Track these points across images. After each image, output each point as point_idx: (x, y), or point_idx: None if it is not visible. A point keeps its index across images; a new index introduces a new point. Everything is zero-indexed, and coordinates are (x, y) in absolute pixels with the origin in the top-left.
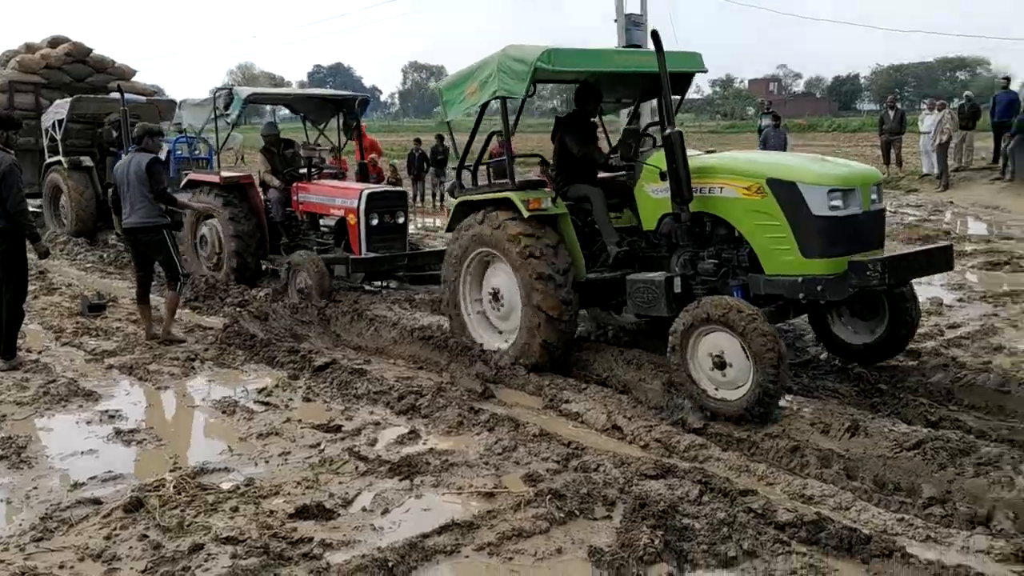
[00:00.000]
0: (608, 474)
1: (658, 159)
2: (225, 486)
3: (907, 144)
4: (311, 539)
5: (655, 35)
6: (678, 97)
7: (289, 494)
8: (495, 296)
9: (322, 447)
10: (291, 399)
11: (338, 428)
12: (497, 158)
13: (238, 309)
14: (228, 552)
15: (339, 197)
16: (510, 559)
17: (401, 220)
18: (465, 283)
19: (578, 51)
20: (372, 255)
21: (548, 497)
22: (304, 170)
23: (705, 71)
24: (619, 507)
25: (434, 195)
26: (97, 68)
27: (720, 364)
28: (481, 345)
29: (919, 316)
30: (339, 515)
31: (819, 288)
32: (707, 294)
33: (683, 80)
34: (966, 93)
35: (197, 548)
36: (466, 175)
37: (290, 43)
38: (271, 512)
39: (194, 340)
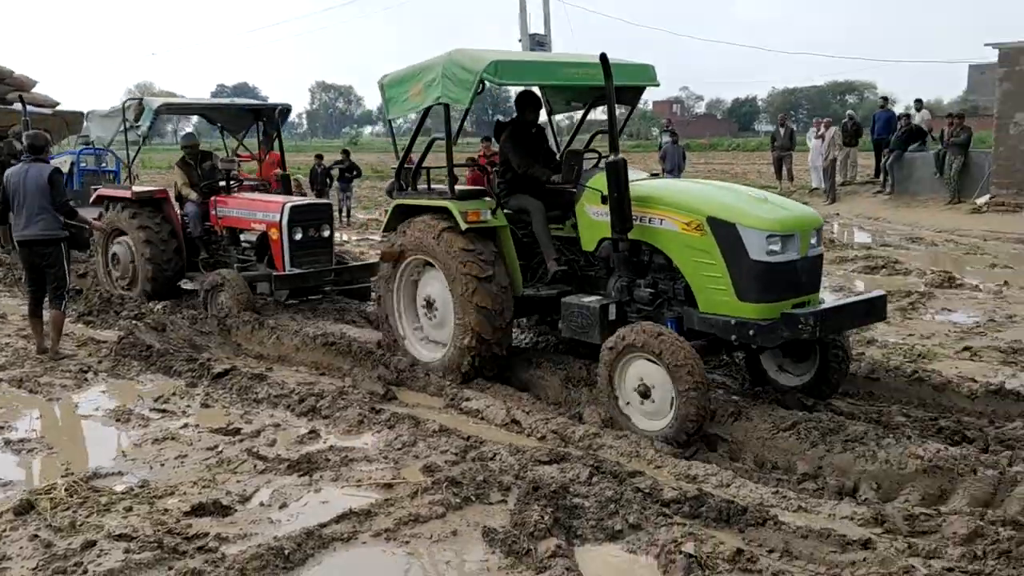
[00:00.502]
0: (504, 462)
1: (600, 181)
2: (118, 488)
3: (797, 160)
4: (207, 534)
5: (603, 58)
6: (628, 109)
7: (185, 493)
8: (429, 304)
9: (220, 449)
10: (189, 406)
11: (237, 431)
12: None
13: (134, 321)
14: (121, 548)
15: (260, 211)
16: (407, 543)
17: (327, 233)
18: (399, 288)
19: (526, 63)
20: (297, 271)
21: (445, 484)
22: (223, 183)
23: (657, 85)
24: (514, 491)
25: (340, 210)
26: None
27: (644, 393)
28: (412, 354)
29: (849, 363)
30: (236, 511)
31: (751, 332)
32: (643, 319)
33: (634, 92)
34: (848, 112)
35: (89, 545)
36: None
37: (192, 61)
38: (166, 511)
39: (87, 353)
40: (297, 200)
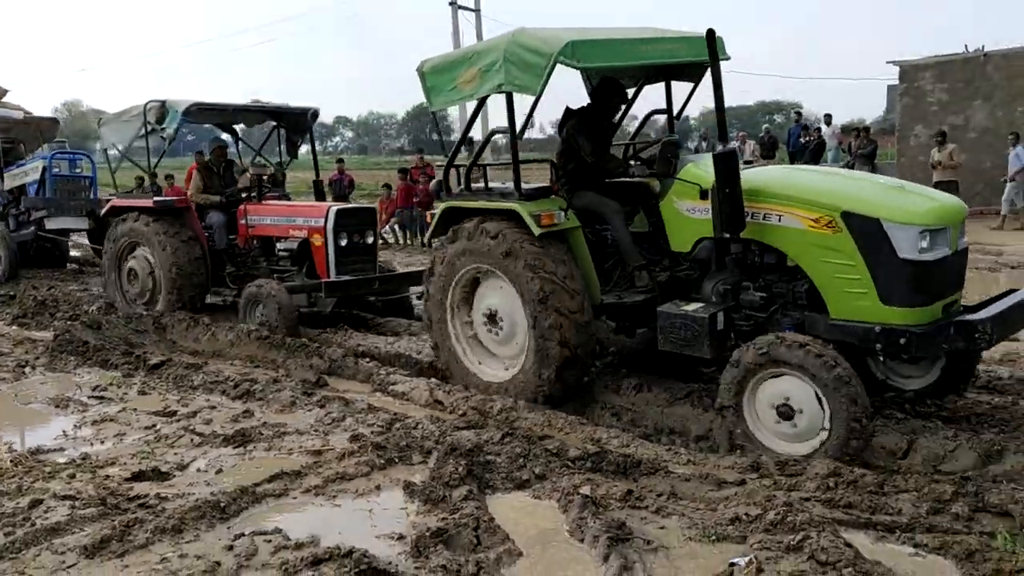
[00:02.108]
0: (426, 429)
1: (695, 175)
2: (61, 460)
3: None
4: (147, 495)
5: (711, 34)
6: (691, 84)
7: (125, 464)
8: (491, 318)
9: (158, 428)
10: (126, 393)
11: (173, 413)
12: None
13: (69, 321)
14: (66, 506)
15: (301, 216)
16: (334, 497)
17: (371, 240)
18: (453, 300)
19: (606, 42)
20: (344, 278)
21: (370, 448)
22: (247, 192)
23: (728, 58)
24: (434, 454)
25: None
26: None
27: (786, 414)
28: (476, 375)
29: (978, 361)
30: (174, 476)
31: (902, 341)
32: (753, 332)
33: (699, 67)
34: (764, 127)
35: (36, 503)
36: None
37: (124, 77)
38: (107, 477)
39: (23, 351)
40: (341, 204)
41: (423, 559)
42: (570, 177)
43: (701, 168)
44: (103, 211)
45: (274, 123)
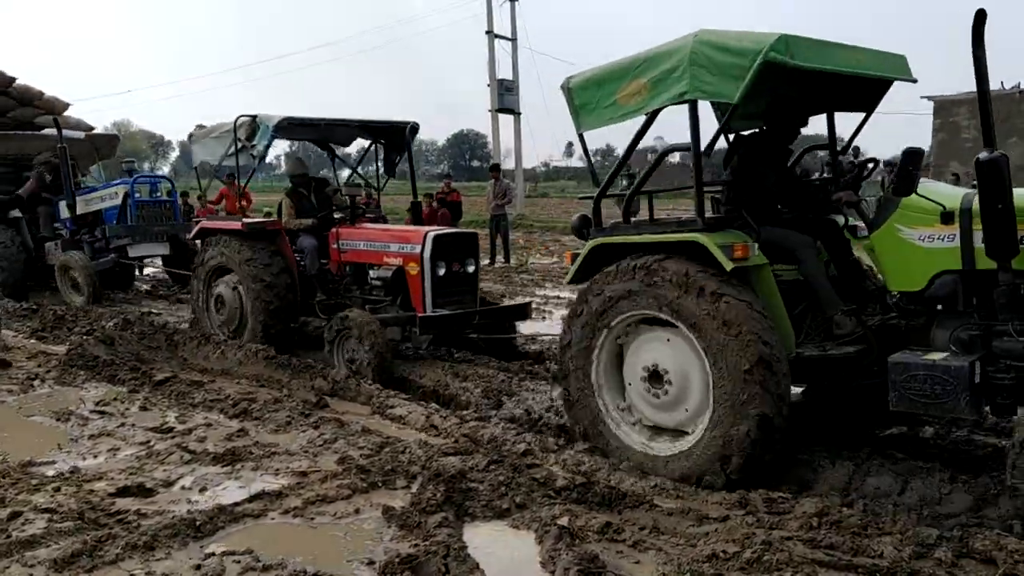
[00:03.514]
0: (413, 454)
1: (934, 193)
2: (50, 473)
3: None
4: (127, 511)
5: (981, 14)
6: (863, 113)
7: (112, 479)
8: (654, 376)
9: (152, 444)
10: (128, 408)
11: (170, 429)
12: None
13: (84, 336)
14: (45, 519)
15: (396, 242)
16: (311, 519)
17: (472, 268)
18: (601, 352)
19: (820, 42)
20: (441, 312)
21: (354, 471)
22: (340, 214)
23: (915, 81)
24: (419, 479)
25: None
26: (21, 100)
27: None
28: (628, 444)
29: None
30: (159, 493)
31: None
32: (1015, 386)
33: (877, 91)
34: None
35: (15, 516)
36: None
37: (168, 100)
38: (92, 491)
39: (36, 364)
40: (441, 229)
41: None
42: (740, 212)
43: (932, 188)
44: (192, 233)
45: (370, 140)
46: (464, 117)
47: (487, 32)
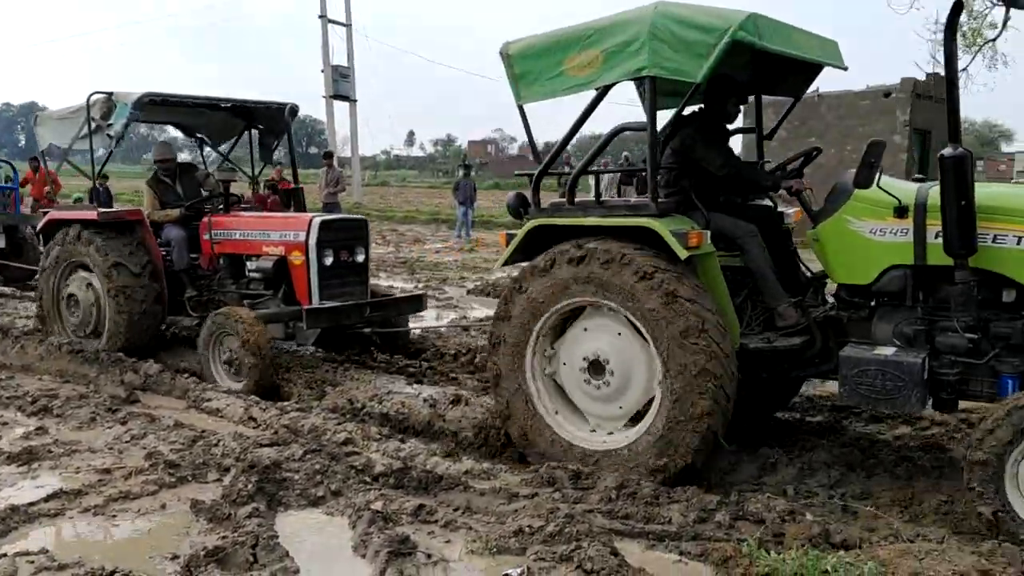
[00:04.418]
0: (227, 447)
1: (890, 186)
2: None
3: None
4: None
5: (959, 5)
6: (792, 100)
7: None
8: (594, 367)
9: None
10: None
11: None
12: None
13: None
14: None
15: (277, 230)
16: (113, 516)
17: (362, 257)
18: (535, 342)
19: (782, 24)
20: (331, 304)
21: (162, 466)
22: (211, 204)
23: (845, 68)
24: (232, 471)
25: None
26: None
27: None
28: (569, 442)
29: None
30: None
31: None
32: (958, 381)
33: (807, 77)
34: (624, 153)
35: None
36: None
37: None
38: None
39: None
40: (327, 215)
41: None
42: (685, 195)
43: (887, 181)
44: (40, 225)
45: (243, 124)
46: (300, 104)
47: (320, 17)
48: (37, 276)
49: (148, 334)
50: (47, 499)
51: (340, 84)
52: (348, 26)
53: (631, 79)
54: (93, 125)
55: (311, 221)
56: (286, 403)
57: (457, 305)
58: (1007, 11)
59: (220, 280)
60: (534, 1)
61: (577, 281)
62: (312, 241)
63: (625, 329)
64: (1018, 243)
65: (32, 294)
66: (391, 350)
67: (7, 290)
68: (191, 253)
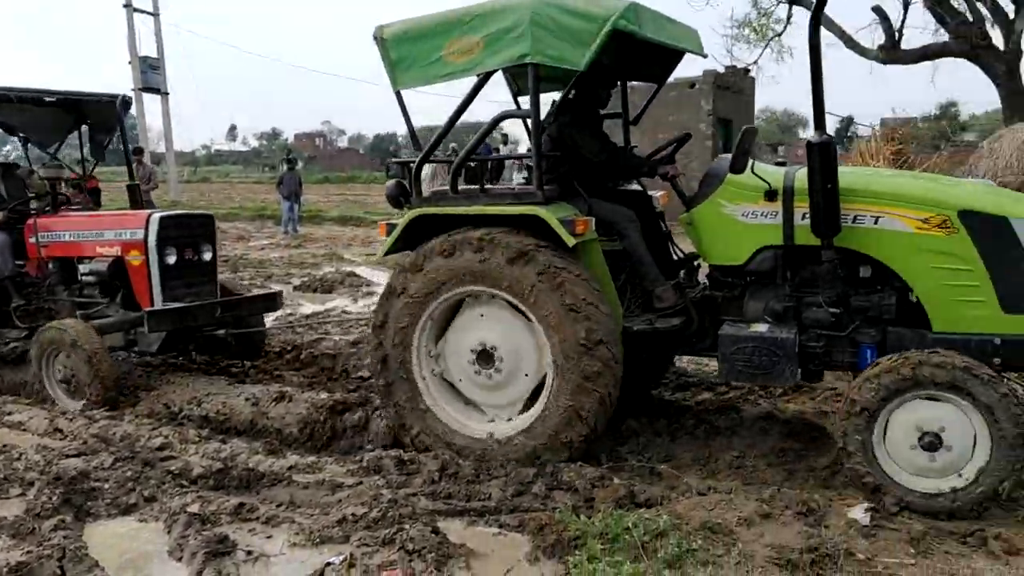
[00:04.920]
0: (30, 460)
1: (762, 172)
2: None
3: None
4: None
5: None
6: (655, 87)
7: None
8: (484, 356)
9: None
10: None
11: None
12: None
13: None
14: None
15: (111, 229)
16: None
17: (208, 256)
18: (422, 334)
19: (655, 13)
20: (175, 305)
21: None
22: (37, 203)
23: (705, 56)
24: (36, 485)
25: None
26: None
27: (930, 446)
28: (460, 433)
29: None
30: None
31: None
32: (824, 353)
33: (668, 64)
34: (451, 145)
35: None
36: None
37: None
38: None
39: None
40: (166, 211)
41: None
42: (563, 182)
43: (758, 166)
44: None
45: (71, 121)
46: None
47: (125, 6)
48: None
49: None
50: None
51: (150, 76)
52: (156, 15)
53: (512, 66)
54: None
55: (149, 217)
56: (95, 411)
57: (285, 302)
58: (790, 8)
59: (50, 287)
60: None
61: (457, 271)
62: (152, 239)
63: (507, 313)
64: (875, 223)
65: None
66: (247, 353)
67: None
68: (16, 259)
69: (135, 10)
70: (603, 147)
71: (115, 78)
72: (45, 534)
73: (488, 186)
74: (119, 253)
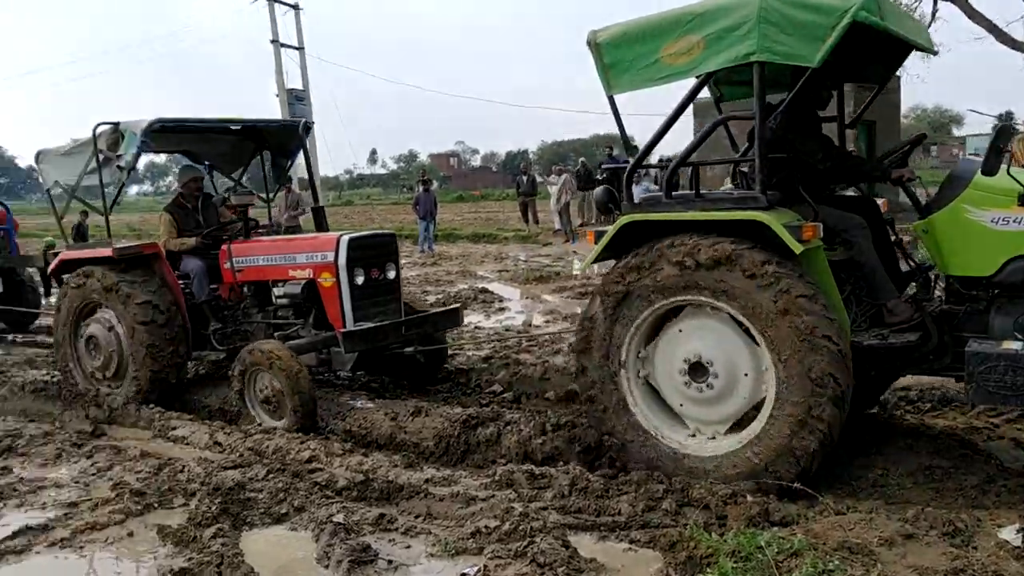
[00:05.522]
0: (192, 472)
1: (1018, 173)
2: None
3: (541, 205)
4: None
5: None
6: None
7: None
8: (696, 369)
9: None
10: None
11: None
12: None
13: None
14: None
15: (303, 252)
16: (81, 548)
17: (393, 274)
18: (633, 342)
19: (889, 3)
20: (366, 325)
21: (128, 495)
22: (227, 231)
23: (935, 52)
24: (198, 495)
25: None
26: None
27: None
28: (656, 436)
29: None
30: None
31: None
32: None
33: (897, 59)
34: (580, 160)
35: None
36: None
37: None
38: None
39: None
40: (355, 232)
41: None
42: (783, 187)
43: (1014, 170)
44: (51, 267)
45: (254, 146)
46: None
47: (272, 41)
48: (38, 321)
49: (174, 372)
50: (12, 536)
51: (296, 107)
52: (301, 49)
53: (737, 65)
54: (101, 157)
55: (339, 239)
56: (250, 427)
57: None
58: (935, 3)
59: (245, 310)
60: (484, 8)
61: (680, 280)
62: (342, 260)
63: (728, 328)
64: None
65: (34, 338)
66: (433, 368)
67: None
68: (211, 284)
69: (282, 45)
70: (826, 151)
71: (263, 112)
72: (205, 541)
73: (703, 191)
74: (311, 275)
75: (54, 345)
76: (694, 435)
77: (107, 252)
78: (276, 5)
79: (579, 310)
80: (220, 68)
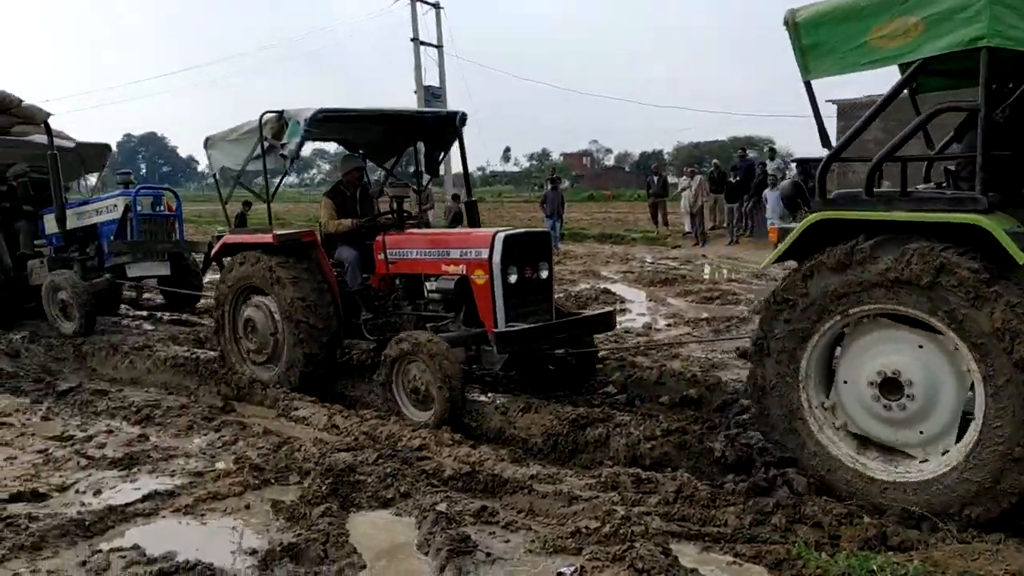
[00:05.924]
0: (308, 452)
1: None
2: None
3: (671, 207)
4: (18, 515)
5: None
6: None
7: (5, 487)
8: (890, 384)
9: (50, 451)
10: (29, 419)
11: (70, 438)
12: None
13: None
14: None
15: (458, 247)
16: (202, 515)
17: (546, 274)
18: (818, 345)
19: None
20: (518, 326)
21: (247, 469)
22: (385, 217)
23: None
24: (312, 474)
25: None
26: None
27: None
28: (830, 452)
29: None
30: (52, 497)
31: None
32: None
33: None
34: (714, 161)
35: None
36: None
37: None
38: None
39: None
40: (510, 229)
41: (268, 571)
42: (1004, 188)
43: None
44: (214, 250)
45: (408, 138)
46: None
47: (412, 39)
48: (202, 301)
49: (327, 358)
50: (143, 500)
51: (432, 104)
52: (439, 47)
53: (963, 50)
54: (266, 145)
55: (494, 237)
56: (366, 411)
57: None
58: None
59: (396, 302)
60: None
61: (882, 285)
62: (496, 258)
63: (928, 342)
64: None
65: (195, 318)
66: (585, 370)
67: (143, 313)
68: (363, 273)
69: (421, 43)
70: None
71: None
72: (314, 519)
73: (910, 189)
74: (464, 272)
75: (213, 324)
76: (901, 461)
77: (268, 238)
78: (418, 4)
79: (704, 315)
80: (361, 66)
